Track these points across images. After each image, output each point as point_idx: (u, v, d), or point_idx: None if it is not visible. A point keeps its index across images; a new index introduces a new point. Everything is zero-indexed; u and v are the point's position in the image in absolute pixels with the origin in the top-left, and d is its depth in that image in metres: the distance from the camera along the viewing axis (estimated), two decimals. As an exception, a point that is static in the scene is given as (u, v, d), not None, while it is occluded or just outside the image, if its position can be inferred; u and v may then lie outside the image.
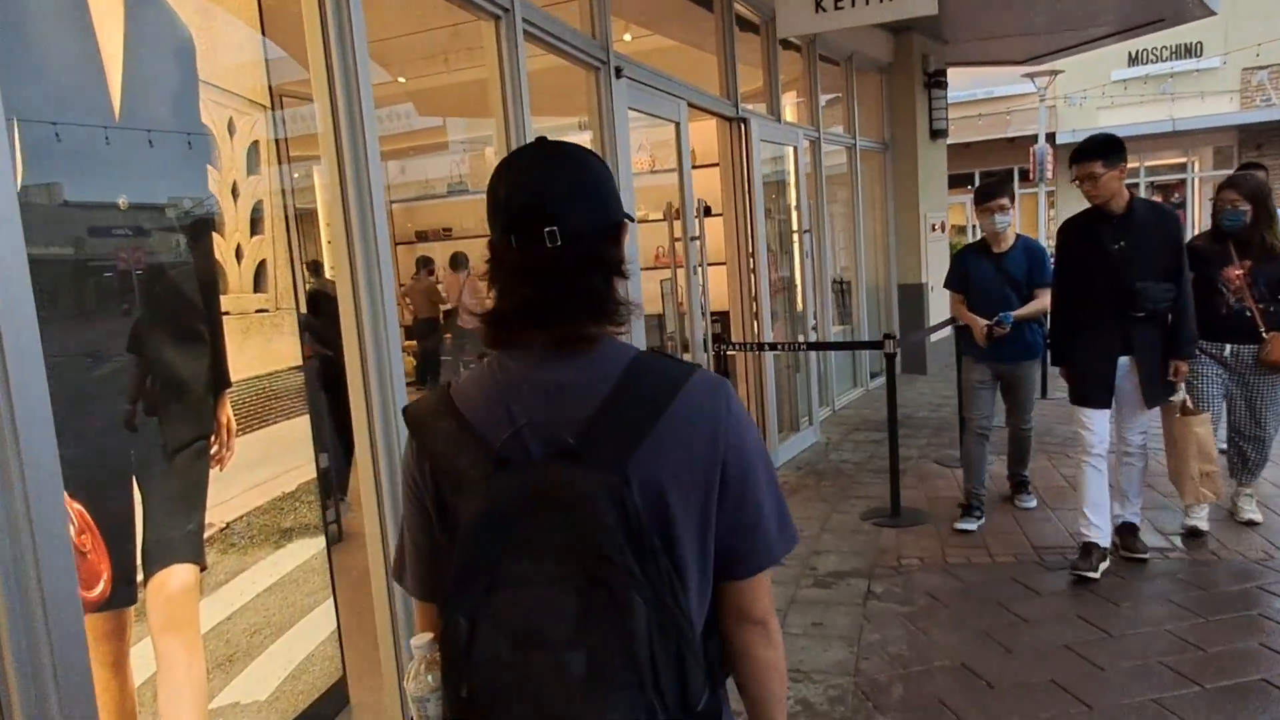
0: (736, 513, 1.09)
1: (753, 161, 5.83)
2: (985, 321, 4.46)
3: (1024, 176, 25.10)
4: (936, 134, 8.74)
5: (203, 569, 2.39)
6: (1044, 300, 4.35)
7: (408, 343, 10.85)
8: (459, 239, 11.30)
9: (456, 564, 1.00)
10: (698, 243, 5.12)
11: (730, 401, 1.11)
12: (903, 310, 8.73)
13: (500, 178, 1.11)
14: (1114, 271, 3.68)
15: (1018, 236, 4.67)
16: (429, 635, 1.11)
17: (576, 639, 0.94)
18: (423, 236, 11.84)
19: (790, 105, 7.58)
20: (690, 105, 5.25)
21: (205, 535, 2.40)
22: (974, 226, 26.16)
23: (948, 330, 8.09)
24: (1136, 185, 24.40)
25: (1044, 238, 17.20)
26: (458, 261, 10.26)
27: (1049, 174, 16.81)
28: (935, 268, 8.88)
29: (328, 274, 6.68)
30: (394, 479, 2.86)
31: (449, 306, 10.33)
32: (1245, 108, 22.22)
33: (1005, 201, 4.55)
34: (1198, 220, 23.88)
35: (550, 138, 1.14)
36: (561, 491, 0.99)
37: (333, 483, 4.60)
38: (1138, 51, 23.14)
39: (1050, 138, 17.22)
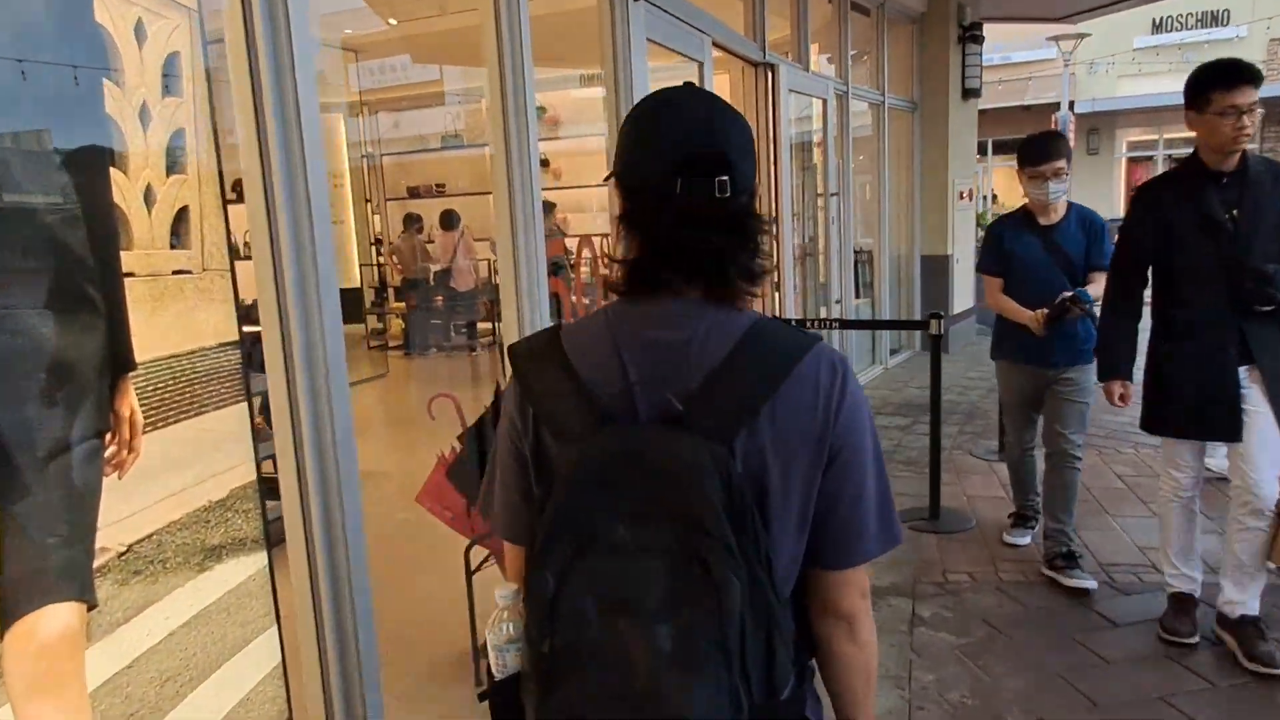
0: (836, 500, 1.05)
1: (780, 113, 5.23)
2: (1033, 313, 3.57)
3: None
4: (969, 93, 8.05)
5: (91, 608, 1.83)
6: (1103, 284, 3.35)
7: (396, 304, 10.26)
8: (452, 196, 10.67)
9: (549, 519, 0.96)
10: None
11: (847, 382, 1.05)
12: (926, 284, 8.13)
13: (660, 115, 1.05)
14: (1227, 250, 2.79)
15: (1069, 205, 3.75)
16: (514, 586, 1.09)
17: (667, 612, 0.90)
18: (414, 193, 11.20)
19: (816, 58, 6.96)
20: (715, 46, 4.62)
21: (96, 563, 1.84)
22: (991, 194, 25.57)
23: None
24: (1154, 157, 23.77)
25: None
26: (450, 220, 9.63)
27: (1071, 141, 16.06)
28: (962, 239, 8.27)
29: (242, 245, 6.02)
30: (325, 484, 2.30)
31: (440, 267, 9.72)
32: (1271, 80, 21.44)
33: (1063, 164, 3.61)
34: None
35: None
36: (667, 460, 0.94)
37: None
38: (1162, 18, 22.33)
39: (1069, 107, 16.49)
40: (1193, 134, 2.92)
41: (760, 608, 0.92)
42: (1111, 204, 23.52)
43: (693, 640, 0.89)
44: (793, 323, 2.20)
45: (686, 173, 1.00)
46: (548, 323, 3.15)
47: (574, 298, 4.44)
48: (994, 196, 26.32)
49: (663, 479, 0.93)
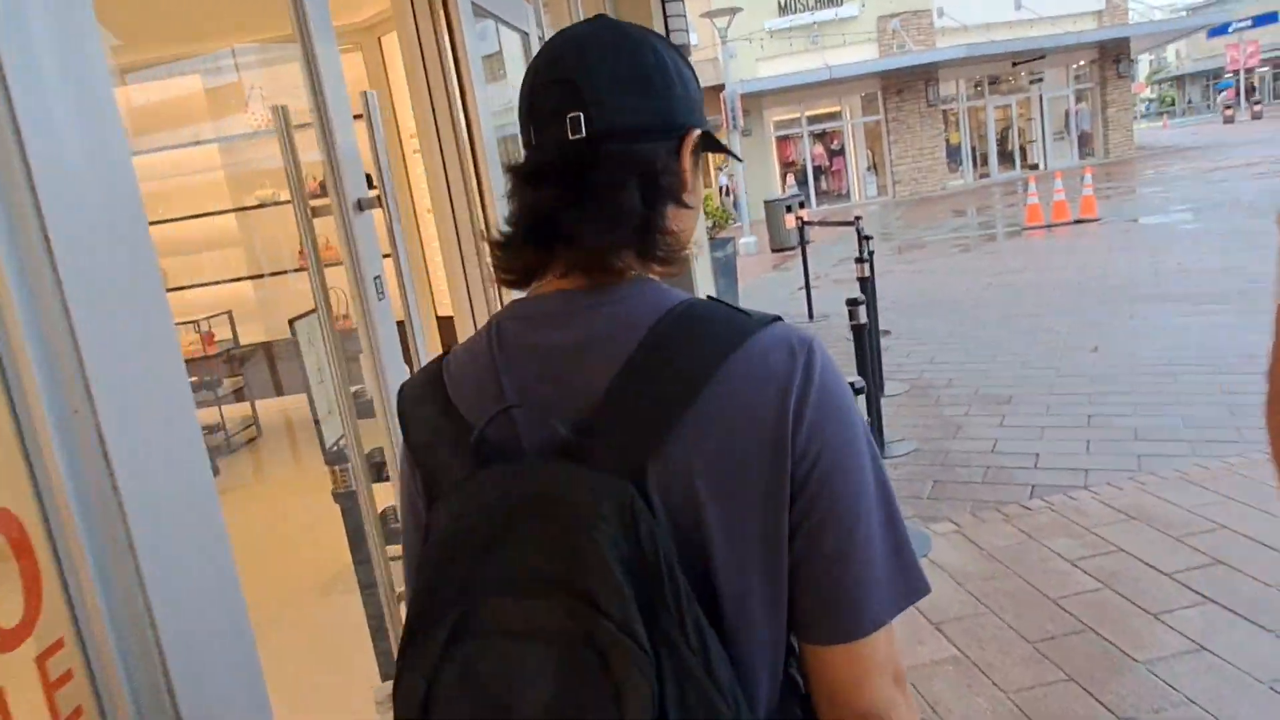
0: (818, 540, 0.71)
1: (465, 50, 3.18)
2: None
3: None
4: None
5: None
6: None
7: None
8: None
9: (413, 599, 0.71)
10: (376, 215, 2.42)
11: (815, 368, 0.73)
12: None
13: (533, 60, 0.81)
14: None
15: None
16: (388, 688, 0.80)
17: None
18: None
19: None
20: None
21: None
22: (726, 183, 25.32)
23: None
24: (799, 134, 24.97)
25: (744, 187, 16.22)
26: None
27: (740, 121, 15.69)
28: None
29: None
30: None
31: None
32: (884, 55, 23.32)
33: None
34: (856, 166, 24.97)
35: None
36: (553, 505, 0.67)
37: None
38: (786, 1, 23.38)
39: (718, 90, 16.11)
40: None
41: (696, 712, 0.63)
42: (769, 182, 24.44)
43: None
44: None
45: (537, 117, 0.77)
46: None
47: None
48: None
49: (551, 531, 0.66)
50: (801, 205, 16.56)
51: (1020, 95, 25.97)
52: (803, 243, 8.57)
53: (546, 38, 2.97)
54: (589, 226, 0.74)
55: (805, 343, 0.75)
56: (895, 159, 24.07)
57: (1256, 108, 36.49)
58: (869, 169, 25.01)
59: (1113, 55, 25.01)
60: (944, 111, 24.28)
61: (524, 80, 0.80)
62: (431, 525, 0.75)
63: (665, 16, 6.43)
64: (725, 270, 7.50)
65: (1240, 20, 42.48)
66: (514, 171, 0.79)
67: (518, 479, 0.72)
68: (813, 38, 23.27)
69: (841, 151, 25.22)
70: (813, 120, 25.02)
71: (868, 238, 5.59)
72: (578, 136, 0.74)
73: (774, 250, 15.08)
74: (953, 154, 24.93)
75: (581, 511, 0.66)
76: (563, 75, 0.76)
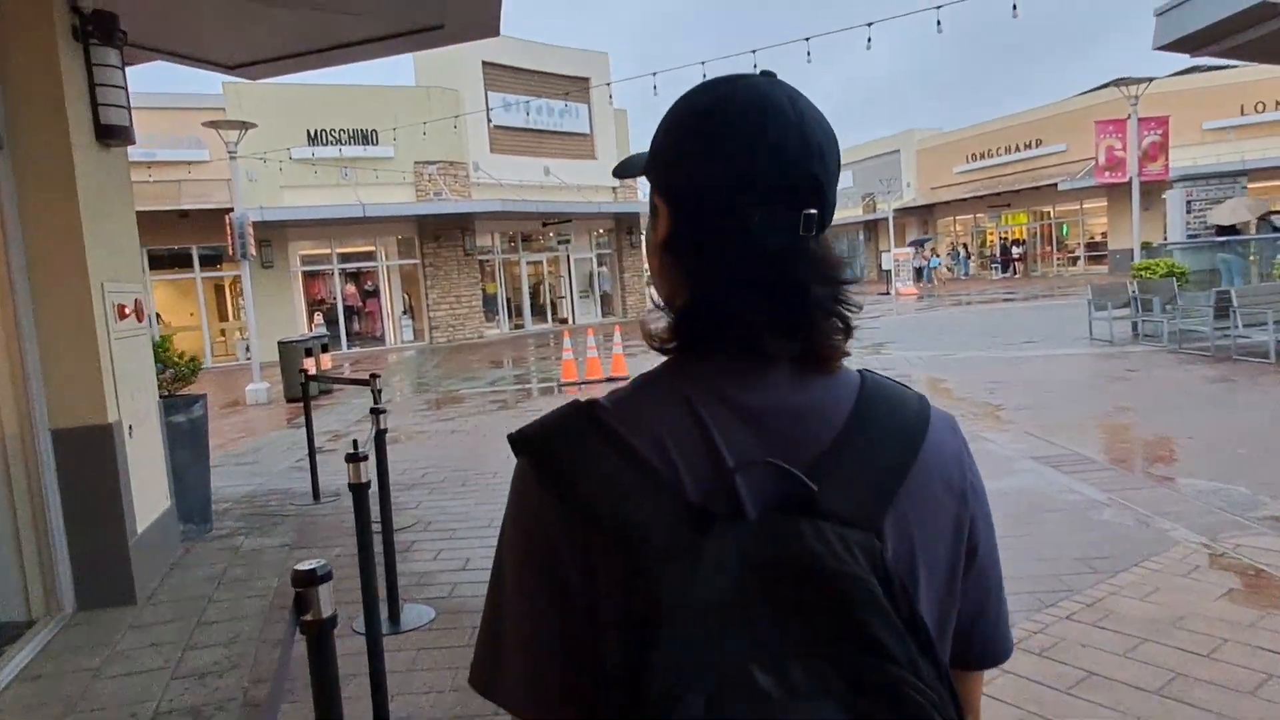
0: (977, 590, 0.81)
1: None
2: None
3: (212, 261, 21.64)
4: (110, 132, 4.61)
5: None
6: None
7: None
8: None
9: (659, 672, 0.63)
10: None
11: (966, 443, 0.83)
12: (70, 478, 4.27)
13: (737, 114, 0.75)
14: None
15: None
16: None
17: None
18: None
19: None
20: None
21: None
22: (155, 315, 21.25)
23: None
24: (330, 271, 23.06)
25: (254, 324, 13.80)
26: None
27: (252, 249, 13.47)
28: (128, 388, 4.67)
29: None
30: None
31: None
32: (421, 199, 22.83)
33: None
34: (392, 309, 23.67)
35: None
36: (809, 559, 0.65)
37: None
38: (317, 131, 21.86)
39: (226, 212, 13.85)
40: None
41: None
42: (294, 321, 22.00)
43: None
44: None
45: (773, 203, 0.74)
46: None
47: None
48: (158, 316, 22.37)
49: (813, 590, 0.65)
50: (325, 349, 14.61)
51: (550, 254, 27.30)
52: (306, 399, 6.77)
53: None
54: (823, 318, 0.77)
55: (951, 416, 0.83)
56: (433, 304, 23.36)
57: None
58: (405, 313, 23.92)
59: (626, 226, 27.65)
60: (481, 262, 24.39)
61: (741, 141, 0.74)
62: (646, 589, 0.66)
63: (90, 72, 4.45)
64: (189, 440, 5.40)
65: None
66: (727, 250, 0.75)
67: (765, 536, 0.68)
68: (344, 173, 21.94)
69: (376, 293, 23.83)
70: (345, 258, 23.39)
71: (380, 412, 4.06)
72: (806, 234, 0.75)
73: (289, 400, 12.82)
74: (489, 303, 25.02)
75: (846, 559, 0.65)
76: (797, 161, 0.75)
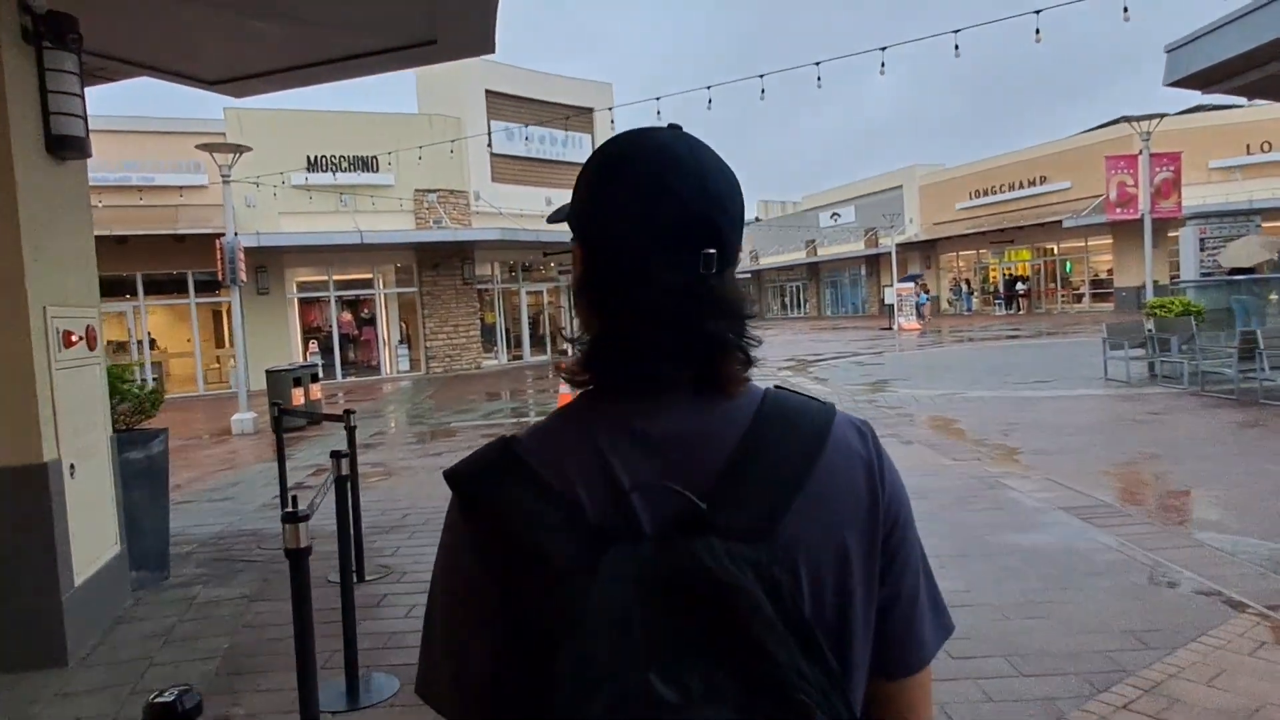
0: (898, 594, 0.84)
1: None
2: None
3: (209, 287, 21.24)
4: (62, 144, 4.23)
5: None
6: None
7: None
8: None
9: (563, 683, 0.68)
10: None
11: (879, 445, 0.87)
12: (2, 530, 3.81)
13: (636, 163, 0.82)
14: None
15: None
16: None
17: None
18: None
19: None
20: None
21: None
22: (149, 339, 20.83)
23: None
24: (327, 299, 22.70)
25: (244, 352, 13.39)
26: None
27: (242, 275, 13.10)
28: (82, 424, 4.23)
29: None
30: None
31: None
32: (420, 227, 22.53)
33: None
34: (388, 337, 23.27)
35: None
36: (700, 573, 0.70)
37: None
38: (317, 157, 21.61)
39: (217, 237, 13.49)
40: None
41: None
42: (290, 349, 21.59)
43: None
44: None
45: (669, 245, 0.81)
46: None
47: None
48: (152, 341, 21.97)
49: (704, 602, 0.69)
50: (315, 378, 14.19)
51: (551, 284, 26.95)
52: (279, 434, 6.35)
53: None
54: (722, 349, 0.82)
55: (865, 424, 0.87)
56: (430, 333, 22.97)
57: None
58: (401, 341, 23.53)
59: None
60: (480, 291, 24.04)
61: (640, 188, 0.81)
62: (553, 607, 0.72)
63: (41, 76, 4.10)
64: (147, 479, 4.96)
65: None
66: (632, 292, 0.81)
67: (659, 553, 0.72)
68: (343, 199, 21.67)
69: (372, 321, 23.45)
70: (341, 285, 23.04)
71: (342, 456, 3.62)
72: (706, 272, 0.80)
73: (287, 429, 12.35)
74: (488, 333, 24.63)
75: (734, 572, 0.69)
76: (695, 207, 0.80)
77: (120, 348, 21.29)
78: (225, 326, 23.15)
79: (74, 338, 4.15)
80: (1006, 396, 11.64)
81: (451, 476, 0.83)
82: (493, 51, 6.13)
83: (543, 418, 0.87)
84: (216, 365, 22.90)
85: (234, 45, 5.99)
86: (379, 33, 5.77)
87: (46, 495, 3.78)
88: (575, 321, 0.88)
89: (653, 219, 0.80)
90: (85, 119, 4.26)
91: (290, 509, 2.44)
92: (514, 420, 13.08)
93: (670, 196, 0.80)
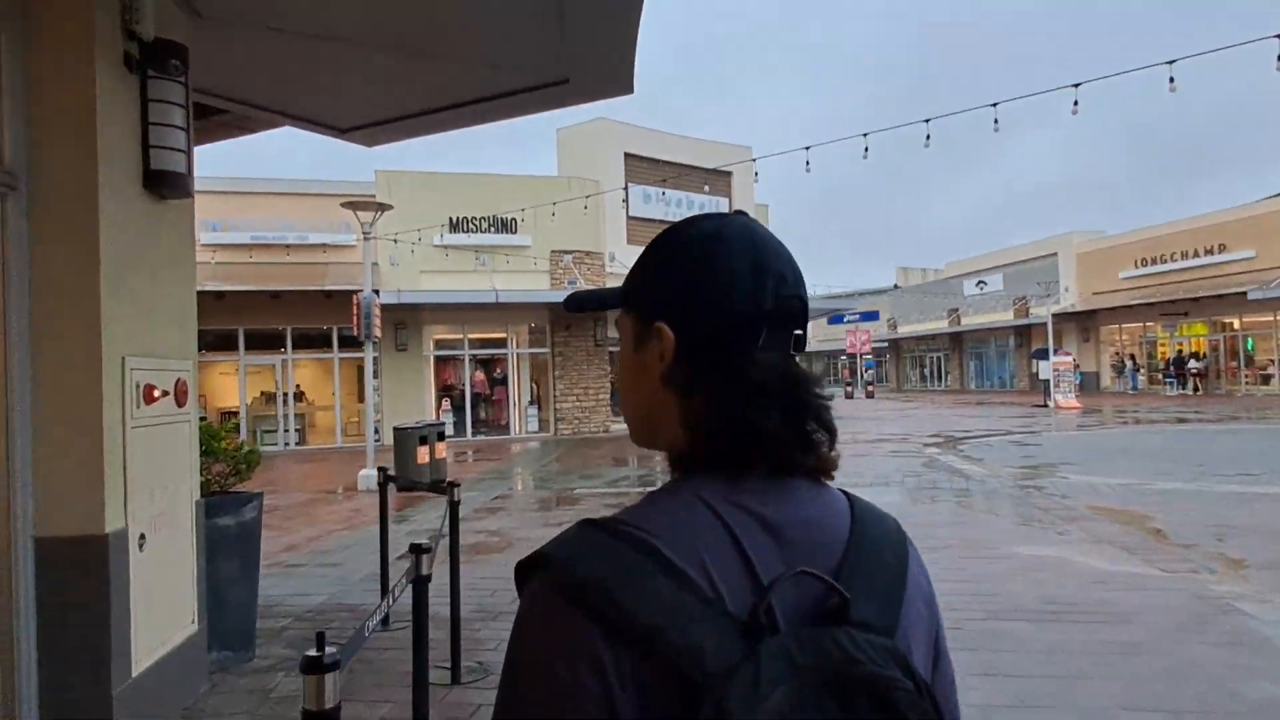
0: (944, 674, 0.85)
1: None
2: None
3: (352, 342, 21.84)
4: (160, 179, 3.91)
5: None
6: None
7: None
8: None
9: None
10: None
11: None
12: (51, 602, 3.37)
13: (737, 248, 0.83)
14: None
15: None
16: None
17: None
18: None
19: None
20: None
21: None
22: (296, 391, 21.51)
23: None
24: (461, 357, 22.93)
25: (373, 407, 13.36)
26: None
27: (376, 331, 13.12)
28: (147, 487, 3.79)
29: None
30: None
31: None
32: (555, 287, 22.56)
33: None
34: (518, 398, 23.22)
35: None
36: (852, 666, 0.69)
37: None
38: (459, 218, 22.06)
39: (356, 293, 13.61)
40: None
41: None
42: (424, 406, 21.86)
43: None
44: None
45: (775, 324, 0.83)
46: None
47: None
48: (300, 394, 22.74)
49: (859, 695, 0.68)
50: (441, 437, 13.97)
51: (682, 348, 26.44)
52: (383, 503, 5.85)
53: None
54: (821, 434, 0.82)
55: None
56: (560, 395, 22.77)
57: (870, 387, 41.62)
58: (532, 402, 23.42)
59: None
60: (611, 354, 23.76)
61: (745, 272, 0.82)
62: (702, 715, 0.65)
63: (144, 105, 3.78)
64: (237, 548, 4.52)
65: (852, 313, 49.73)
66: (742, 373, 0.80)
67: (807, 648, 0.69)
68: (480, 259, 21.95)
69: (504, 381, 23.49)
70: (476, 344, 23.25)
71: (426, 550, 2.98)
72: (795, 352, 0.84)
73: (400, 490, 12.13)
74: (616, 397, 24.27)
75: (881, 671, 0.69)
76: (790, 287, 0.83)
77: (269, 399, 22.15)
78: (357, 379, 23.77)
79: (157, 392, 3.74)
80: (1208, 491, 10.03)
81: (550, 563, 0.72)
82: (630, 93, 5.61)
83: (643, 497, 0.81)
84: (355, 419, 23.42)
85: (365, 88, 5.72)
86: (510, 70, 5.35)
87: (105, 572, 3.31)
88: (629, 400, 0.88)
89: (760, 299, 0.81)
90: (189, 155, 3.92)
91: (315, 651, 1.62)
92: (639, 489, 12.39)
93: (772, 277, 0.82)
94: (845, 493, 0.85)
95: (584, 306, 0.94)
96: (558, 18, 4.54)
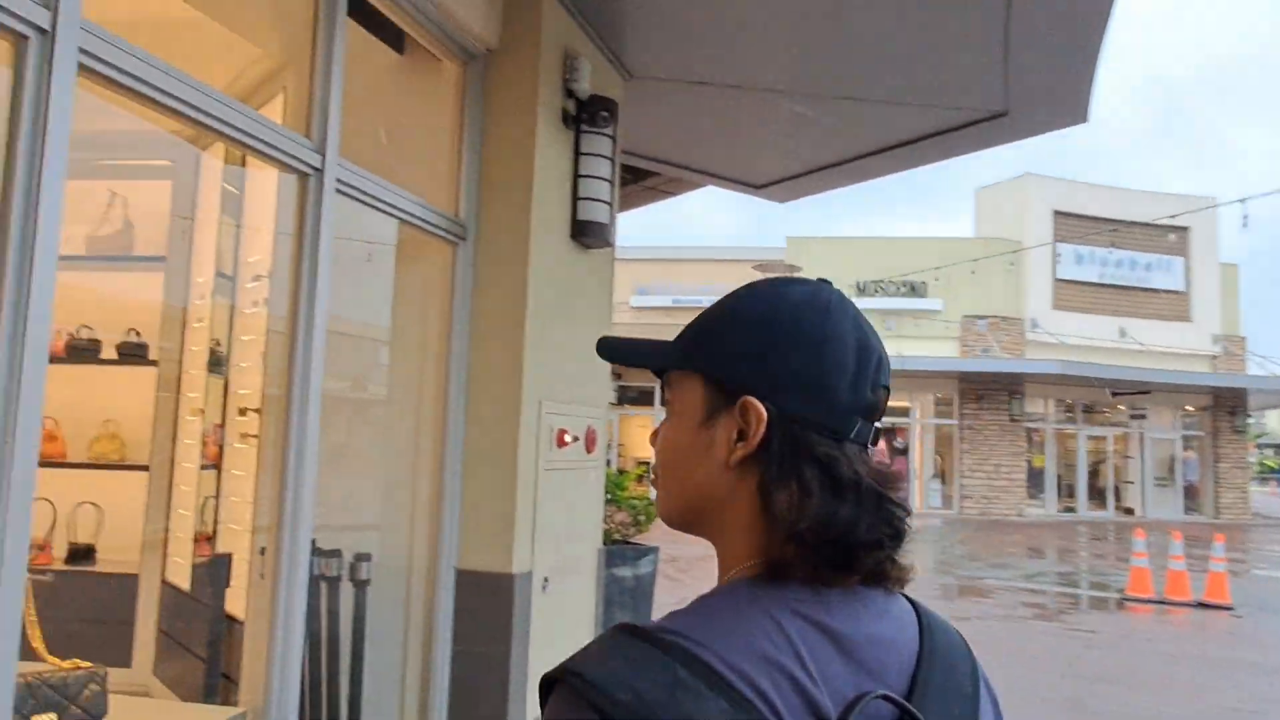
0: None
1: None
2: None
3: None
4: (586, 231, 4.07)
5: None
6: None
7: None
8: None
9: None
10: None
11: None
12: (466, 633, 3.51)
13: (835, 316, 0.76)
14: None
15: None
16: None
17: None
18: None
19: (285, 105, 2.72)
20: None
21: None
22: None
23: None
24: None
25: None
26: None
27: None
28: (554, 530, 3.86)
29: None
30: None
31: None
32: (964, 355, 21.02)
33: None
34: (920, 471, 21.88)
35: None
36: None
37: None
38: (865, 282, 21.64)
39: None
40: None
41: None
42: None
43: None
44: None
45: (865, 409, 0.74)
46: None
47: None
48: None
49: None
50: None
51: (1118, 429, 23.02)
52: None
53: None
54: (897, 540, 0.73)
55: None
56: (967, 471, 20.99)
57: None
58: (935, 476, 21.90)
59: (1228, 406, 22.10)
60: (1028, 430, 21.40)
61: (852, 353, 0.74)
62: None
63: (576, 160, 3.95)
64: (631, 601, 4.49)
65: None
66: (855, 462, 0.72)
67: None
68: (887, 324, 21.22)
69: (905, 452, 22.29)
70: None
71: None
72: (872, 446, 0.76)
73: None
74: (1034, 478, 21.69)
75: None
76: (887, 376, 0.77)
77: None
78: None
79: (568, 437, 3.81)
80: None
81: (585, 679, 0.62)
82: (1084, 122, 4.79)
83: (693, 601, 0.71)
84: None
85: (781, 140, 5.62)
86: (937, 107, 4.86)
87: (508, 608, 3.37)
88: (681, 478, 0.78)
89: (860, 385, 0.74)
90: (612, 207, 4.02)
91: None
92: (1060, 589, 10.69)
93: (873, 363, 0.75)
94: (911, 600, 0.78)
95: (616, 355, 0.83)
96: (1002, 47, 3.98)
